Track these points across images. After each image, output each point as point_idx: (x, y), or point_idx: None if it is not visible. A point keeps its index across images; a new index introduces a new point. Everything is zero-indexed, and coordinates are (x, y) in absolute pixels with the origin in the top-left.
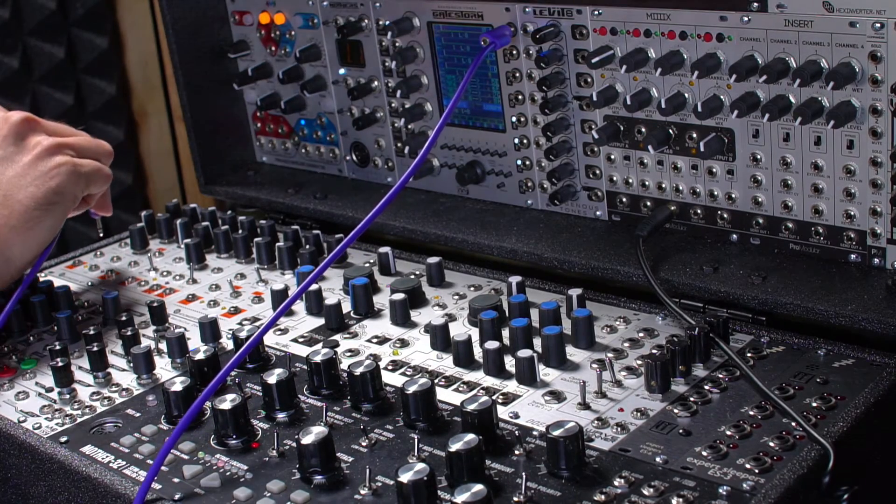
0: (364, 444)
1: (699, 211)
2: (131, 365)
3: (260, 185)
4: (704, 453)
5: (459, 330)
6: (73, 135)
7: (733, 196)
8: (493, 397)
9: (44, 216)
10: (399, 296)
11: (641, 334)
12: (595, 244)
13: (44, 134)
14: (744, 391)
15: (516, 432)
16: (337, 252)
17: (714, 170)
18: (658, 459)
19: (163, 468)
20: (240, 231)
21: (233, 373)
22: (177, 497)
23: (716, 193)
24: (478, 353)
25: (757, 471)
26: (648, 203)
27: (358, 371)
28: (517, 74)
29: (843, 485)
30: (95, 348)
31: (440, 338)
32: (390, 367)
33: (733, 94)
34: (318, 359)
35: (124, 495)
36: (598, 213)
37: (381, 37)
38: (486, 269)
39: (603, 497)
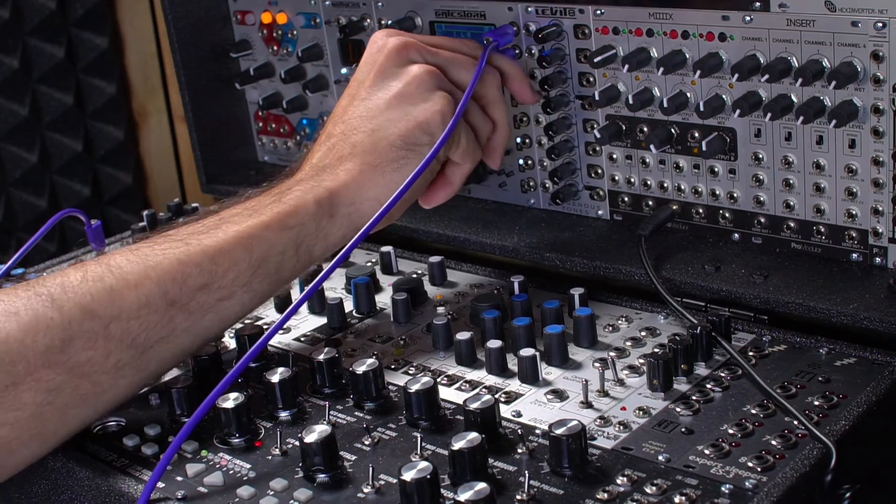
0: (367, 442)
1: (701, 210)
2: None
3: (261, 184)
4: (707, 452)
5: (461, 329)
6: (453, 50)
7: (735, 195)
8: (496, 396)
9: (408, 156)
10: (401, 295)
11: (643, 333)
12: (597, 243)
13: (421, 60)
14: (746, 390)
15: (519, 431)
16: (343, 255)
17: (716, 169)
18: (660, 458)
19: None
20: None
21: None
22: (180, 496)
23: (717, 193)
24: (480, 352)
25: (759, 469)
26: (650, 202)
27: (360, 370)
28: None
29: (845, 483)
30: None
31: (442, 337)
32: (393, 366)
33: (735, 93)
34: (320, 358)
35: (127, 494)
36: (599, 212)
37: None
38: (488, 269)
39: (605, 495)
